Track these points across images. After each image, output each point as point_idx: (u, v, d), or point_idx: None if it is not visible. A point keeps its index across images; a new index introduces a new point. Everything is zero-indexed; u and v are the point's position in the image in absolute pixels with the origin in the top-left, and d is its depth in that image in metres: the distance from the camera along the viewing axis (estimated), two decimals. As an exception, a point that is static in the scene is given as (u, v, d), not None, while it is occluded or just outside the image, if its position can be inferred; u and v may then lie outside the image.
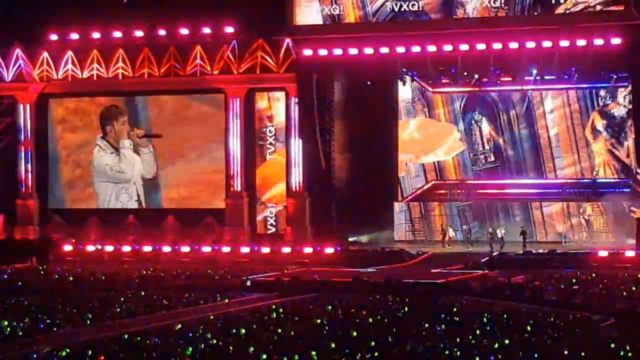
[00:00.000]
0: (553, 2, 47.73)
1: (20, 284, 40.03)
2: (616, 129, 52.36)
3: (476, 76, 51.29)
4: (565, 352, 23.89)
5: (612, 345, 24.53)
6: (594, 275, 39.45)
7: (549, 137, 52.96)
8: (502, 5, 48.23)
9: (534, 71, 50.25)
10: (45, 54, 54.91)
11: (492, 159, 53.92)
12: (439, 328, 27.61)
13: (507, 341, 25.22)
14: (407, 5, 48.92)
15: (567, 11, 47.55)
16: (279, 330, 27.48)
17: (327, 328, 27.99)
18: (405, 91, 54.39)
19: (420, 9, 48.91)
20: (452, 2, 48.81)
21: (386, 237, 53.87)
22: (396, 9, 49.18)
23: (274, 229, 53.48)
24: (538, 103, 52.94)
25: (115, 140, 55.11)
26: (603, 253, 44.12)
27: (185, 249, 48.95)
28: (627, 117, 51.89)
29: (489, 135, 53.82)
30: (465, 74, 50.82)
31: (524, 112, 53.07)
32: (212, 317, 31.13)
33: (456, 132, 54.20)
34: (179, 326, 28.82)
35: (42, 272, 43.81)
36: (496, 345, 24.65)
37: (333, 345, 24.76)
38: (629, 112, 51.63)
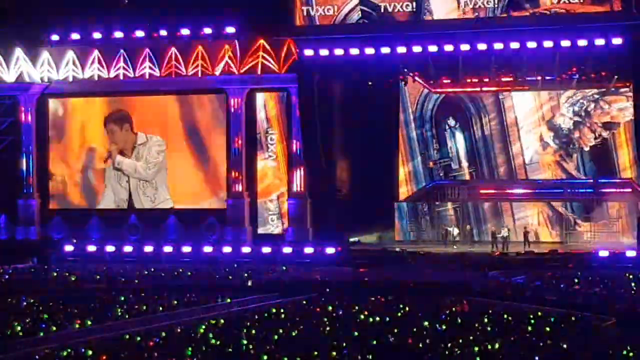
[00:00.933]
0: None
1: (21, 284, 40.06)
2: (564, 140, 52.29)
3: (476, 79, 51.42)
4: (566, 353, 23.91)
5: (613, 346, 24.54)
6: (595, 275, 39.45)
7: (521, 144, 52.90)
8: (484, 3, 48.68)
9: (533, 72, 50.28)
10: (46, 55, 54.93)
11: (466, 164, 53.89)
12: (439, 328, 27.64)
13: (507, 341, 25.24)
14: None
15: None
16: (280, 331, 27.51)
17: (327, 328, 28.01)
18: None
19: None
20: (421, 9, 49.29)
21: (387, 237, 53.85)
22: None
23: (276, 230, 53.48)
24: (510, 109, 52.81)
25: (120, 146, 54.92)
26: (604, 253, 44.12)
27: (187, 249, 48.99)
28: (573, 128, 51.88)
29: (462, 141, 53.73)
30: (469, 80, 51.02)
31: (497, 118, 53.04)
32: (213, 317, 31.16)
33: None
34: (180, 327, 28.86)
35: (43, 273, 43.87)
36: (497, 346, 24.66)
37: (334, 346, 24.78)
38: (575, 123, 51.74)
